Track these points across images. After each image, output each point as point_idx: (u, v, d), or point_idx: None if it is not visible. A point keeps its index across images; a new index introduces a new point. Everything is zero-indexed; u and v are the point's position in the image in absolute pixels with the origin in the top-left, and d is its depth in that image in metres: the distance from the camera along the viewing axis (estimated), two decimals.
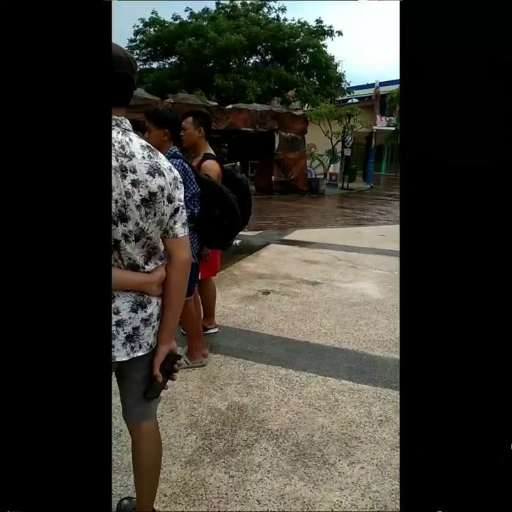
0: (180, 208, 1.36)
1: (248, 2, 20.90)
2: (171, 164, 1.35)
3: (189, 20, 20.38)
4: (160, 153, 1.33)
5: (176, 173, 1.36)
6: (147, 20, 21.35)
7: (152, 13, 21.22)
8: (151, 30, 21.37)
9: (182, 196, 1.37)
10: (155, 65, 22.31)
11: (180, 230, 1.37)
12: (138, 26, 21.55)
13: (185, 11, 20.91)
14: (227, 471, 2.02)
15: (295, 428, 2.36)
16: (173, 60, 21.29)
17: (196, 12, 20.88)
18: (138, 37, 21.52)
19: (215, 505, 1.82)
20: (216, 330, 3.59)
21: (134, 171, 1.23)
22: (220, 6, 20.98)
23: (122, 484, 1.91)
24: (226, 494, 1.89)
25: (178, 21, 20.58)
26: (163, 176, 1.29)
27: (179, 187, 1.36)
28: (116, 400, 1.48)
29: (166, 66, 21.76)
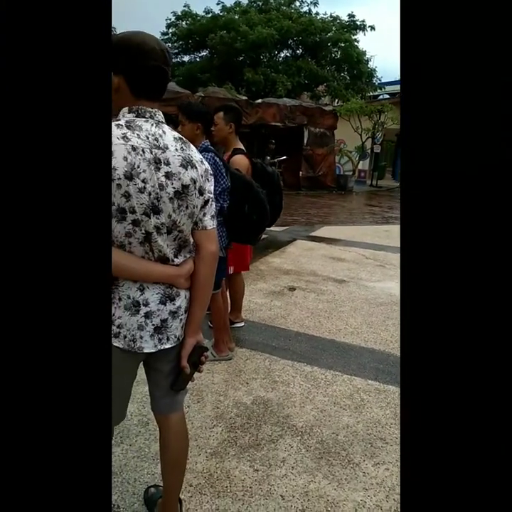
0: (210, 200, 1.37)
1: None
2: (201, 156, 1.36)
3: (221, 14, 20.38)
4: (192, 146, 1.34)
5: (207, 165, 1.37)
6: (179, 14, 21.46)
7: (184, 6, 21.34)
8: (183, 23, 21.47)
9: (212, 188, 1.38)
10: (186, 58, 22.41)
11: (209, 222, 1.38)
12: (170, 19, 21.71)
13: (217, 4, 20.92)
14: (252, 465, 2.04)
15: (320, 426, 2.36)
16: (204, 53, 21.35)
17: (228, 5, 20.88)
18: (170, 30, 21.65)
19: (240, 498, 1.84)
20: (242, 324, 3.61)
21: (167, 164, 1.24)
22: None
23: (149, 472, 1.95)
24: (250, 487, 1.91)
25: (210, 15, 20.60)
26: (195, 168, 1.30)
27: (209, 179, 1.37)
28: (144, 389, 1.51)
29: (197, 59, 21.84)
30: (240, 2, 21.02)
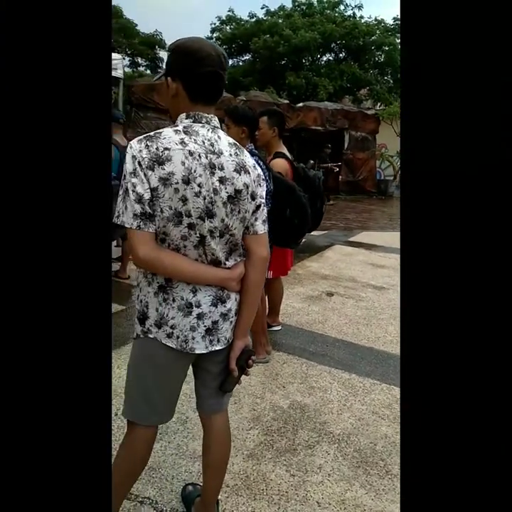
0: (262, 205, 1.38)
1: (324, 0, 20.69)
2: (254, 161, 1.38)
3: (265, 18, 20.49)
4: (245, 151, 1.36)
5: (259, 170, 1.39)
6: (224, 18, 21.73)
7: (229, 10, 21.57)
8: (227, 28, 21.72)
9: (264, 193, 1.39)
10: (230, 62, 22.63)
11: (261, 227, 1.39)
12: (215, 24, 22.00)
13: (262, 8, 21.11)
14: (288, 470, 2.03)
15: (357, 434, 2.33)
16: (247, 57, 21.51)
17: (272, 10, 20.96)
18: (214, 35, 21.94)
19: (276, 502, 1.84)
20: (279, 328, 3.61)
21: (221, 169, 1.26)
22: (296, 3, 20.92)
23: (187, 470, 1.98)
24: (286, 492, 1.90)
25: (253, 19, 20.75)
26: (248, 173, 1.31)
27: (261, 184, 1.38)
28: (183, 387, 1.53)
29: (240, 63, 22.03)
30: (284, 6, 21.07)
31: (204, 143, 1.25)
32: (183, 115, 1.29)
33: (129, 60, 19.78)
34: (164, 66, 1.35)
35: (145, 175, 1.20)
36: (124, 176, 1.22)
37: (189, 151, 1.22)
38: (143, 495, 1.82)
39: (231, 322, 1.41)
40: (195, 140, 1.24)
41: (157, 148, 1.20)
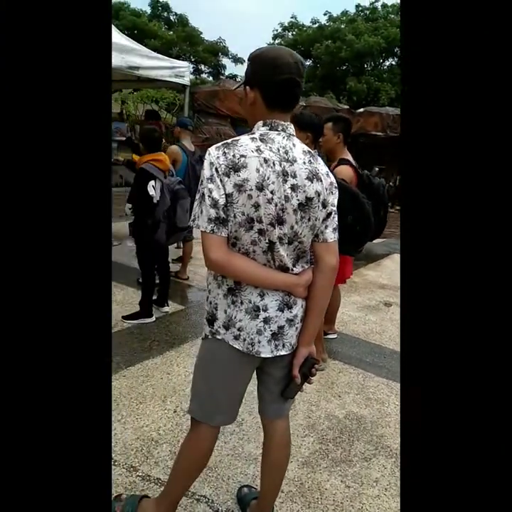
0: (333, 212, 1.38)
1: (389, 4, 20.31)
2: (327, 169, 1.38)
3: (327, 24, 20.42)
4: (319, 159, 1.36)
5: (332, 178, 1.38)
6: (286, 25, 21.88)
7: (292, 17, 21.71)
8: (289, 34, 21.85)
9: (335, 201, 1.39)
10: None
11: (331, 235, 1.38)
12: (277, 30, 22.20)
13: (324, 14, 21.00)
14: (344, 480, 2.01)
15: None
16: (308, 63, 21.51)
17: (335, 15, 20.85)
18: (276, 41, 22.13)
19: None
20: (335, 336, 3.57)
21: (294, 176, 1.27)
22: (360, 8, 20.69)
23: (242, 472, 2.00)
24: (341, 503, 1.88)
25: (316, 25, 20.74)
26: (321, 181, 1.32)
27: (333, 192, 1.38)
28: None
29: None
30: (347, 11, 20.91)
31: (279, 150, 1.27)
32: (260, 123, 1.32)
33: (193, 68, 20.34)
34: (244, 75, 1.38)
35: (221, 181, 1.23)
36: (201, 181, 1.27)
37: (264, 158, 1.24)
38: (199, 493, 1.85)
39: (297, 328, 1.41)
40: (270, 148, 1.26)
41: (234, 156, 1.24)
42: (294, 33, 21.61)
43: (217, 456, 2.08)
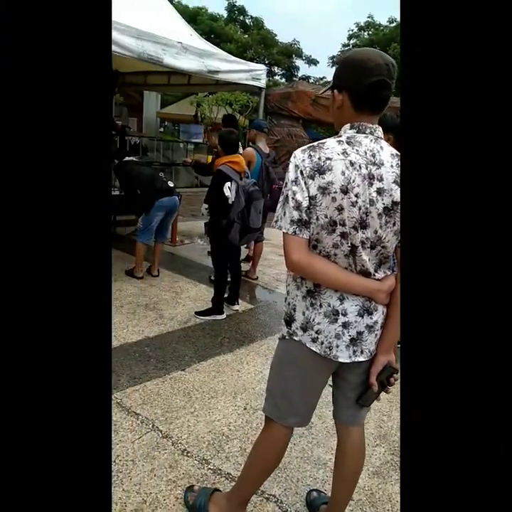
0: None
1: None
2: None
3: None
4: None
5: None
6: (362, 25, 21.49)
7: (368, 17, 21.28)
8: (365, 34, 21.43)
9: None
10: None
11: None
12: (352, 30, 21.88)
13: None
14: None
15: None
16: None
17: None
18: (351, 41, 21.81)
19: None
20: None
21: (380, 180, 1.24)
22: None
23: (311, 475, 1.99)
24: None
25: (393, 24, 20.16)
26: None
27: None
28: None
29: None
30: None
31: (366, 153, 1.25)
32: (347, 126, 1.30)
33: (267, 70, 20.58)
34: (332, 79, 1.37)
35: (305, 183, 1.24)
36: (286, 183, 1.28)
37: (350, 161, 1.22)
38: (269, 492, 1.87)
39: (376, 335, 1.38)
40: (357, 151, 1.24)
41: (319, 158, 1.23)
42: (370, 32, 21.16)
43: (287, 458, 2.08)
